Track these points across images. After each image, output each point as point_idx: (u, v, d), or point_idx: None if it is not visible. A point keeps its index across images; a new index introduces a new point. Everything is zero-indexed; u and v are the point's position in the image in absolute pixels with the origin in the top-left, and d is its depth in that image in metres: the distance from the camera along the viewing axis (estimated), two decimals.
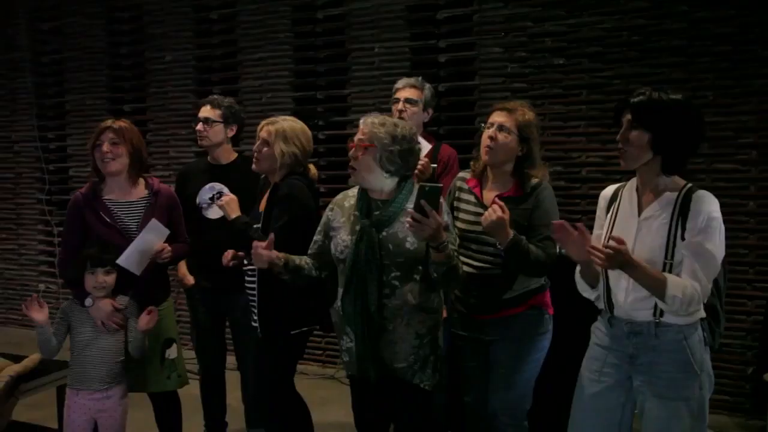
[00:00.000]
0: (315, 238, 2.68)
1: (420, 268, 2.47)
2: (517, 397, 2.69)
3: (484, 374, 2.74)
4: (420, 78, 3.51)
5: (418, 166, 3.02)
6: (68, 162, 6.09)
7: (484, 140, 2.65)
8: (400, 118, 3.35)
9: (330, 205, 2.67)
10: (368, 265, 2.43)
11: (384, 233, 2.46)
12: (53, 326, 2.82)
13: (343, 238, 2.53)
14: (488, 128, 2.65)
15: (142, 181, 3.03)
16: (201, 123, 3.45)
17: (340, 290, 2.53)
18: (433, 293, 2.53)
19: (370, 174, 2.49)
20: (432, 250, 2.35)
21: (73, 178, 6.00)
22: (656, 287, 2.07)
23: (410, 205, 2.41)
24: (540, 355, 2.70)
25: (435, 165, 3.28)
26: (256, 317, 2.90)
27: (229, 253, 2.96)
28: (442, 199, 2.31)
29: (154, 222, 2.89)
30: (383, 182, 2.51)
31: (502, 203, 2.47)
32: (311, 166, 3.04)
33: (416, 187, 2.51)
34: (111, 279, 2.79)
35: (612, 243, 2.05)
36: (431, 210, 2.24)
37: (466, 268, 2.64)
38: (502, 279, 2.62)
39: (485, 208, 2.60)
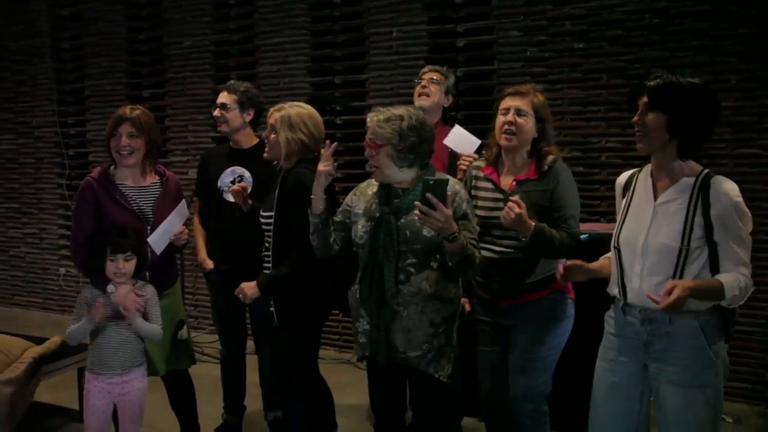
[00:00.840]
0: (335, 218, 2.71)
1: (437, 256, 2.48)
2: (538, 382, 2.69)
3: (504, 359, 2.75)
4: (445, 67, 3.58)
5: (463, 166, 3.05)
6: (88, 147, 6.15)
7: (501, 126, 2.65)
8: (423, 94, 3.38)
9: (354, 190, 2.70)
10: (385, 251, 2.46)
11: (402, 220, 2.48)
12: (74, 312, 2.83)
13: (362, 224, 2.56)
14: (504, 114, 2.65)
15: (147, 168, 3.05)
16: (218, 109, 3.49)
17: (358, 275, 2.57)
18: (450, 283, 2.54)
19: (388, 170, 2.52)
20: (444, 240, 2.36)
21: (93, 164, 6.04)
22: (716, 296, 2.06)
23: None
24: (561, 339, 2.71)
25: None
26: (272, 305, 2.93)
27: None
28: (450, 192, 2.33)
29: (183, 204, 2.93)
30: (402, 175, 2.54)
31: (517, 198, 2.47)
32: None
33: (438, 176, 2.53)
34: (131, 265, 2.79)
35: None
36: (438, 203, 2.27)
37: (487, 254, 2.65)
38: (525, 263, 2.63)
39: (503, 192, 2.64)
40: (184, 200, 2.95)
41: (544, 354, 2.68)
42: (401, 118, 2.49)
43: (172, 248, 2.98)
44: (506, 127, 2.63)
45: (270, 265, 2.92)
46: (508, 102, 2.66)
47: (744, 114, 3.95)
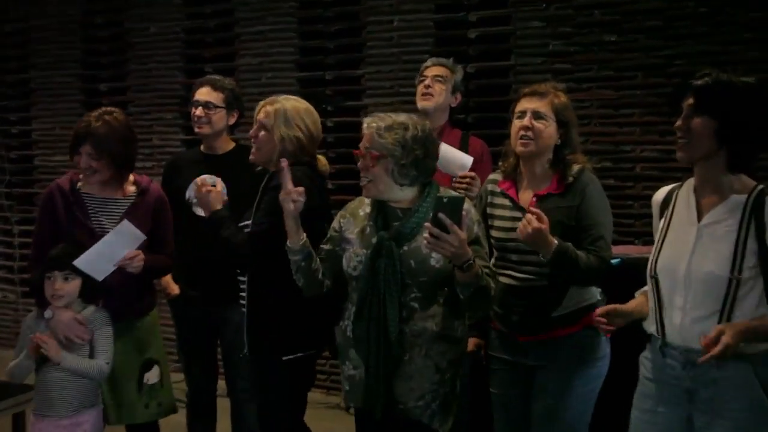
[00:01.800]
0: (322, 246, 2.68)
1: (445, 289, 2.48)
2: None
3: (526, 405, 2.73)
4: (451, 59, 3.61)
5: (462, 183, 3.08)
6: (33, 149, 6.15)
7: (517, 132, 2.67)
8: (427, 95, 3.41)
9: (342, 212, 2.68)
10: (387, 285, 2.44)
11: (405, 248, 2.47)
12: (18, 344, 2.84)
13: (356, 252, 2.54)
14: (519, 117, 2.67)
15: (131, 178, 3.09)
16: (201, 107, 3.48)
17: (351, 309, 2.55)
18: (456, 320, 2.53)
19: (384, 186, 2.50)
20: (456, 269, 2.36)
21: (39, 168, 6.06)
22: None
23: None
24: (595, 384, 2.70)
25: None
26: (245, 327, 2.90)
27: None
28: (464, 212, 2.32)
29: (125, 224, 2.88)
30: (400, 194, 2.53)
31: (538, 210, 2.48)
32: (321, 158, 3.00)
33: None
34: (71, 287, 2.79)
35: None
36: (452, 224, 2.25)
37: (506, 281, 2.67)
38: (550, 293, 2.62)
39: (523, 210, 2.62)
40: (126, 219, 2.91)
41: (574, 403, 2.66)
42: (405, 127, 2.47)
43: (146, 272, 2.98)
44: (522, 132, 2.64)
45: (246, 286, 2.90)
46: (524, 104, 2.68)
47: None
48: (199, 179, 2.95)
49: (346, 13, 5.06)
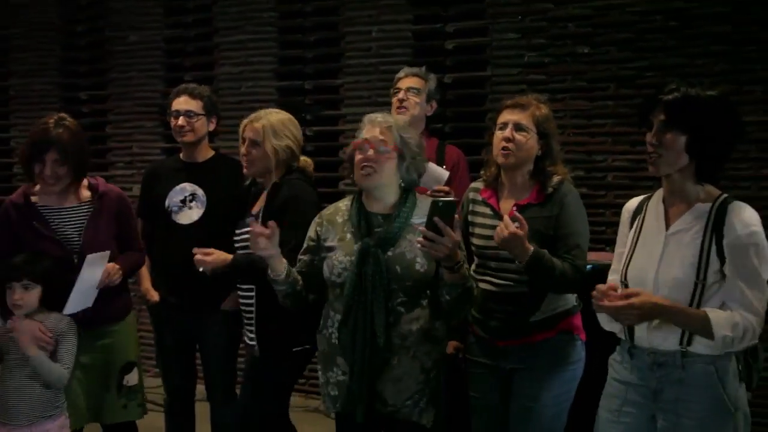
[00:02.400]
0: (300, 257, 2.70)
1: (428, 292, 2.52)
2: None
3: (503, 408, 2.75)
4: (424, 68, 3.62)
5: (437, 197, 3.10)
6: (12, 157, 6.07)
7: (499, 143, 2.68)
8: (402, 108, 3.43)
9: (317, 219, 2.70)
10: (375, 291, 2.46)
11: (390, 253, 2.50)
12: None
13: (339, 260, 2.55)
14: (501, 129, 2.68)
15: (84, 182, 3.06)
16: (182, 117, 3.46)
17: (334, 316, 2.57)
18: (437, 321, 2.57)
19: (384, 180, 2.56)
20: (446, 270, 2.40)
21: (17, 176, 5.97)
22: (699, 326, 2.10)
23: (416, 220, 2.48)
24: (570, 387, 2.72)
25: (443, 166, 3.35)
26: (252, 334, 2.96)
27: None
28: (456, 215, 2.37)
29: (89, 258, 2.85)
30: (394, 194, 2.59)
31: (519, 216, 2.50)
32: (307, 159, 3.14)
33: (421, 200, 2.60)
34: (30, 296, 2.78)
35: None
36: (446, 227, 2.29)
37: (486, 287, 2.69)
38: (528, 299, 2.65)
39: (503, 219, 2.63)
40: (88, 255, 2.86)
41: (550, 404, 2.68)
42: (412, 131, 2.61)
43: (126, 276, 3.00)
44: (503, 144, 2.66)
45: (253, 293, 2.95)
46: (506, 116, 2.69)
47: None
48: (198, 257, 2.88)
49: (326, 23, 5.07)
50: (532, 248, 2.49)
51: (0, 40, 6.05)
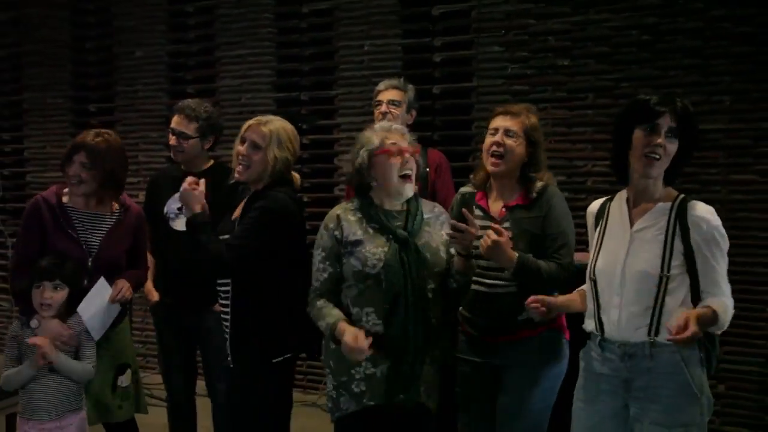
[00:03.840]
0: (322, 266, 2.62)
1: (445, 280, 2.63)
2: (530, 428, 2.70)
3: (491, 404, 2.76)
4: (401, 79, 3.65)
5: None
6: (25, 166, 6.10)
7: (489, 147, 2.70)
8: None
9: (329, 224, 2.63)
10: (418, 277, 2.52)
11: (418, 243, 2.58)
12: (7, 352, 2.81)
13: (372, 251, 2.53)
14: (492, 134, 2.70)
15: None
16: (175, 137, 3.45)
17: (364, 310, 2.55)
18: (441, 309, 2.64)
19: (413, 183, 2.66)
20: (462, 259, 2.50)
21: (31, 184, 6.01)
22: (714, 323, 2.15)
23: (427, 215, 2.62)
24: (555, 382, 2.73)
25: (428, 169, 3.38)
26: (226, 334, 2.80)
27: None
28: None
29: (100, 282, 2.91)
30: (407, 194, 2.66)
31: (497, 226, 2.52)
32: (296, 175, 2.96)
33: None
34: (60, 296, 2.77)
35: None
36: (472, 218, 2.43)
37: (475, 287, 2.72)
38: (515, 298, 2.64)
39: (493, 220, 2.67)
40: (102, 278, 2.92)
41: (537, 398, 2.69)
42: None
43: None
44: (494, 149, 2.67)
45: (229, 296, 2.80)
46: (498, 122, 2.71)
47: (738, 137, 4.08)
48: (190, 177, 2.82)
49: (320, 39, 5.10)
50: (516, 255, 2.52)
51: (14, 57, 6.08)
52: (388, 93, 3.54)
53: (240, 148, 2.78)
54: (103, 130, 3.03)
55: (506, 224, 2.60)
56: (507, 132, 2.66)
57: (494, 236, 2.47)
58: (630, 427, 2.28)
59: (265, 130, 2.75)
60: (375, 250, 2.54)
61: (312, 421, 4.36)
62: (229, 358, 2.80)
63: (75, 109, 5.84)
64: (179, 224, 3.39)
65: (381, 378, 2.54)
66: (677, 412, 2.19)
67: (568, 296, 2.53)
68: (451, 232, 2.41)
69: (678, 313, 2.11)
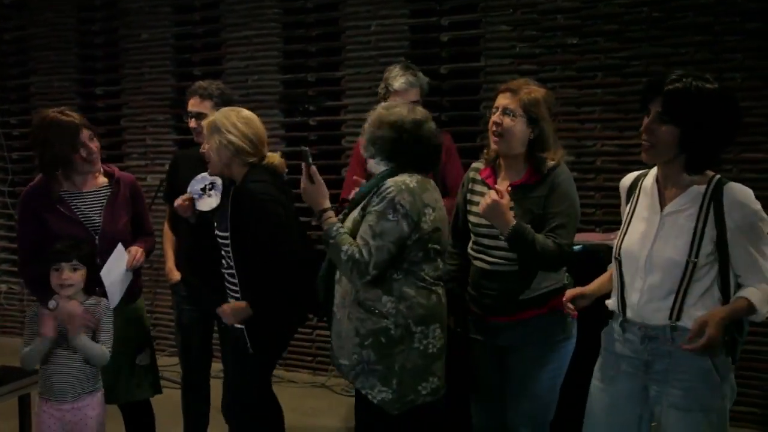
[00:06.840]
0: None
1: None
2: (538, 409, 2.69)
3: (499, 383, 2.74)
4: (416, 72, 3.58)
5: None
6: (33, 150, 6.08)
7: (490, 126, 2.66)
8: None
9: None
10: None
11: None
12: (26, 334, 2.81)
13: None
14: (494, 113, 2.65)
15: (100, 169, 3.06)
16: (194, 119, 3.45)
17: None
18: (386, 296, 2.48)
19: None
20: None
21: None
22: (746, 313, 2.08)
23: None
24: (562, 362, 2.70)
25: None
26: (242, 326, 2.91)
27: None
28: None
29: (118, 249, 2.94)
30: None
31: (500, 188, 2.48)
32: (274, 156, 2.98)
33: None
34: (78, 276, 2.77)
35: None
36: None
37: (479, 264, 2.68)
38: (518, 277, 2.62)
39: None
40: (120, 244, 2.95)
41: (544, 378, 2.67)
42: None
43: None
44: (494, 128, 2.63)
45: (237, 288, 2.92)
46: (499, 100, 2.65)
47: (750, 115, 3.99)
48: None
49: (327, 19, 5.03)
50: (514, 221, 2.47)
51: (21, 41, 6.05)
52: (408, 94, 3.47)
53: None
54: (42, 110, 3.05)
55: (510, 204, 2.53)
56: (505, 110, 2.60)
57: (494, 195, 2.43)
58: (649, 409, 2.23)
59: (205, 125, 2.91)
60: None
61: (321, 402, 4.36)
62: (249, 346, 2.87)
63: (82, 92, 5.80)
64: (202, 204, 3.39)
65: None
66: (697, 397, 2.12)
67: (600, 279, 2.45)
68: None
69: (701, 312, 2.07)
